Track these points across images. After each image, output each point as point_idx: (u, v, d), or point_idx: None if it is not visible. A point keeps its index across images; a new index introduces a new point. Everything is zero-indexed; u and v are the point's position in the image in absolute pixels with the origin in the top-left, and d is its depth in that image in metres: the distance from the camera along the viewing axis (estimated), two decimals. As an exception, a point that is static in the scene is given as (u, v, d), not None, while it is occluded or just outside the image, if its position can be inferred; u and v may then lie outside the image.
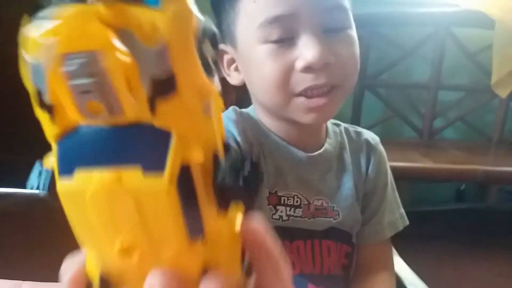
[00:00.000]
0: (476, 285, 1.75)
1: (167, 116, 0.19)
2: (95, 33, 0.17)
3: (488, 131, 2.19)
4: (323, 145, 0.67)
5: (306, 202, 0.65)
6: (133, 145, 0.19)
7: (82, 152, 0.19)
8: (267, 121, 0.66)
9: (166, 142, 0.19)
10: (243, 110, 0.68)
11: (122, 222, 0.20)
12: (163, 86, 0.18)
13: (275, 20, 0.54)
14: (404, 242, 1.81)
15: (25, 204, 2.25)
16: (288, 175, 0.64)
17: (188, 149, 0.19)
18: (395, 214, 0.72)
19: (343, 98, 0.63)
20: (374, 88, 2.11)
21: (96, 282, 0.23)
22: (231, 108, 0.67)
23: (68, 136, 0.20)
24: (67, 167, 0.20)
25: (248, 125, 0.63)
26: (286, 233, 0.63)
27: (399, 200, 0.74)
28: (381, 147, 0.74)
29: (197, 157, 0.19)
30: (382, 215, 0.71)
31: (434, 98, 2.10)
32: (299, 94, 0.57)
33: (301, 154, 0.65)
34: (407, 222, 0.73)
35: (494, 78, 1.99)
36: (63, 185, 0.20)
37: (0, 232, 1.94)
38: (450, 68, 2.12)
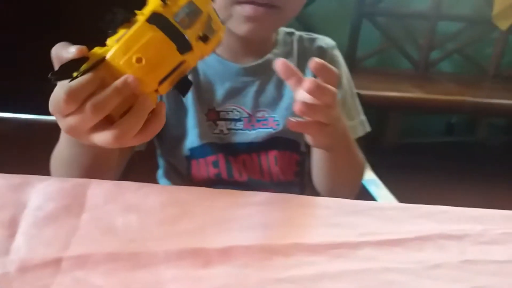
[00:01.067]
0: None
1: None
2: None
3: (485, 65, 2.17)
4: None
5: (247, 115, 0.66)
6: None
7: None
8: None
9: None
10: None
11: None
12: None
13: None
14: (394, 173, 1.87)
15: (19, 128, 2.28)
16: (223, 90, 0.66)
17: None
18: (354, 120, 0.72)
19: (281, 23, 0.64)
20: (373, 16, 2.05)
21: (95, 57, 0.36)
22: None
23: None
24: None
25: None
26: (229, 149, 0.66)
27: (360, 107, 0.74)
28: (335, 52, 0.73)
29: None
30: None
31: (433, 28, 2.06)
32: (240, 2, 0.57)
33: (235, 67, 0.66)
34: (368, 129, 0.72)
35: (495, 9, 1.94)
36: None
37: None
38: (451, -3, 2.05)
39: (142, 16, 0.36)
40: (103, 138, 0.37)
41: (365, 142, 0.72)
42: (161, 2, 0.36)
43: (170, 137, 0.67)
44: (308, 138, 0.53)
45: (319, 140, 0.52)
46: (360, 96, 0.75)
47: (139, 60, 0.35)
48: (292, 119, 0.49)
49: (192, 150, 0.65)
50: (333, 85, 0.47)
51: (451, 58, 2.18)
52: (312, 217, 0.41)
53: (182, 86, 0.39)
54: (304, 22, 1.83)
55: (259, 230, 0.38)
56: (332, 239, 0.37)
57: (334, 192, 0.64)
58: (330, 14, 2.00)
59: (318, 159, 0.61)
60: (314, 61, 0.46)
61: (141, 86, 0.36)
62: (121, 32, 0.36)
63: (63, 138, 0.50)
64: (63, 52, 0.37)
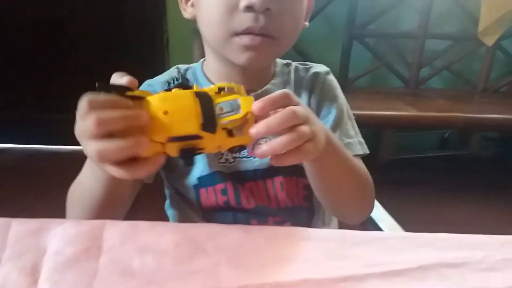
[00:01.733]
0: (450, 227, 1.84)
1: None
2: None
3: (473, 80, 2.22)
4: None
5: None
6: None
7: None
8: (210, 68, 0.70)
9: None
10: (190, 65, 0.74)
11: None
12: None
13: None
14: (389, 188, 1.89)
15: (24, 159, 2.29)
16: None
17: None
18: (353, 139, 0.71)
19: (278, 54, 0.66)
20: (362, 38, 2.10)
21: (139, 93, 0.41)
22: (174, 67, 0.74)
23: None
24: None
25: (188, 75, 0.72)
26: (236, 177, 0.67)
27: (357, 129, 0.74)
28: (329, 77, 0.75)
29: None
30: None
31: (421, 47, 2.11)
32: (238, 34, 0.59)
33: None
34: (367, 151, 0.72)
35: (481, 26, 1.99)
36: None
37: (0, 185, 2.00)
38: (438, 17, 2.11)
39: (195, 89, 0.42)
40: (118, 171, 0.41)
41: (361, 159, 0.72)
42: (216, 89, 0.43)
43: (178, 166, 0.68)
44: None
45: (305, 157, 0.48)
46: (354, 117, 0.76)
47: (165, 112, 0.40)
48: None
49: (201, 178, 0.67)
50: (289, 105, 0.46)
51: (440, 75, 2.23)
52: (319, 251, 0.43)
53: (187, 157, 0.42)
54: (296, 46, 1.88)
55: (270, 266, 0.40)
56: (340, 273, 0.39)
57: (340, 208, 0.65)
58: (321, 38, 2.06)
59: (312, 175, 0.59)
60: (255, 106, 0.44)
61: (152, 133, 0.39)
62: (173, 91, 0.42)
63: (84, 170, 0.53)
64: (118, 76, 0.42)
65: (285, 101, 0.46)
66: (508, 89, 2.22)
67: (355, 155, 0.67)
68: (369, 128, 1.99)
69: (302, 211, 0.70)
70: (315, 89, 0.72)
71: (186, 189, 0.69)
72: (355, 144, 0.70)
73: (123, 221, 0.47)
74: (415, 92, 2.13)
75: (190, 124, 0.40)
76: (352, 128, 0.73)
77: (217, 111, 0.42)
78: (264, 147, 0.43)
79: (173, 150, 0.41)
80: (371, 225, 0.74)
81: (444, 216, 1.92)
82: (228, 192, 0.67)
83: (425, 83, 2.20)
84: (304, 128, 0.45)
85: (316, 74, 0.74)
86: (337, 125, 0.70)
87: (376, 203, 0.78)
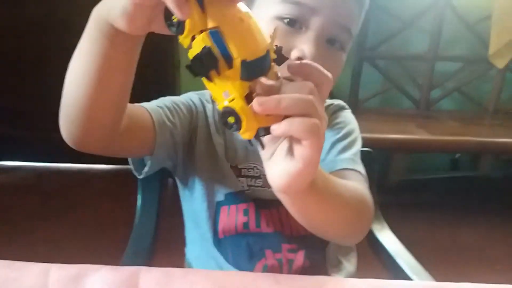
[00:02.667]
0: (466, 250, 1.84)
1: None
2: None
3: (484, 101, 2.23)
4: None
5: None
6: None
7: None
8: None
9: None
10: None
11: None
12: None
13: (298, 4, 0.59)
14: (400, 210, 1.91)
15: (34, 177, 2.33)
16: (244, 148, 0.71)
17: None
18: (352, 164, 0.69)
19: None
20: (373, 60, 2.13)
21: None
22: (193, 93, 0.75)
23: None
24: None
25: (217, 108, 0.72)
26: (251, 199, 0.69)
27: (357, 160, 0.71)
28: (345, 112, 0.77)
29: None
30: (335, 154, 0.71)
31: (432, 69, 2.13)
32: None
33: None
34: (367, 183, 0.69)
35: (491, 49, 2.02)
36: None
37: (10, 203, 2.03)
38: (448, 39, 2.13)
39: None
40: None
41: (371, 180, 0.72)
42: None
43: (205, 179, 0.70)
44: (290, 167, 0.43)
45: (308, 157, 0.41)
46: (364, 140, 0.77)
47: (241, 19, 0.38)
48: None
49: (228, 195, 0.69)
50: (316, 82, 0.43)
51: (451, 96, 2.24)
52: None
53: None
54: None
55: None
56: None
57: (332, 238, 0.64)
58: (333, 61, 2.08)
59: (298, 212, 0.53)
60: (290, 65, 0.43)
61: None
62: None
63: (81, 41, 0.48)
64: None
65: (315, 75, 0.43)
66: (519, 111, 2.23)
67: (356, 171, 0.67)
68: (381, 151, 2.00)
69: (316, 238, 0.67)
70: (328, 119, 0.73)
71: (204, 208, 0.70)
72: (355, 164, 0.69)
73: (157, 268, 0.49)
74: (426, 114, 2.14)
75: (262, 42, 0.38)
76: (358, 156, 0.72)
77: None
78: (282, 125, 0.39)
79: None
80: (391, 263, 0.75)
81: (457, 239, 1.92)
82: (249, 213, 0.69)
83: (436, 104, 2.22)
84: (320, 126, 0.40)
85: (327, 106, 0.77)
86: (348, 146, 0.71)
87: (394, 238, 0.80)
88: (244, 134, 0.39)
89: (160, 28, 0.41)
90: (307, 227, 0.58)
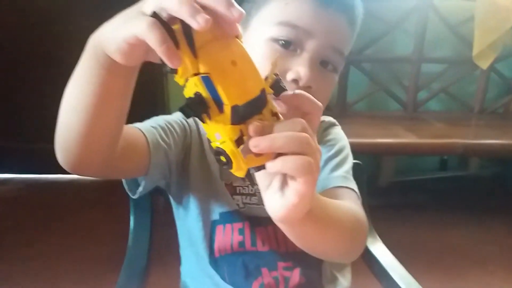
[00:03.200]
0: (457, 251, 1.86)
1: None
2: None
3: (470, 102, 2.26)
4: None
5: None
6: None
7: None
8: None
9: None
10: None
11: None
12: None
13: (293, 27, 0.61)
14: (390, 212, 1.92)
15: (24, 188, 2.30)
16: None
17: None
18: (345, 182, 0.70)
19: None
20: (359, 63, 2.14)
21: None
22: None
23: None
24: None
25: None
26: (246, 217, 0.69)
27: (349, 177, 0.72)
28: (336, 129, 0.78)
29: None
30: (328, 172, 0.72)
31: (418, 71, 2.15)
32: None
33: None
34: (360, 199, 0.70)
35: (475, 50, 2.04)
36: None
37: (1, 216, 2.01)
38: (432, 41, 2.15)
39: None
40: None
41: (361, 190, 0.73)
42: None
43: (199, 198, 0.70)
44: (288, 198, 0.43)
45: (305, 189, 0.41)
46: (353, 145, 0.78)
47: (233, 63, 0.38)
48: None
49: (223, 214, 0.69)
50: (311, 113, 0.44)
51: (437, 98, 2.27)
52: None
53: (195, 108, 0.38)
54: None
55: None
56: None
57: (328, 258, 0.66)
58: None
59: (294, 237, 0.53)
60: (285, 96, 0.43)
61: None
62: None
63: (77, 72, 0.48)
64: None
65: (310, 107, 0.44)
66: (504, 111, 2.26)
67: (350, 188, 0.68)
68: (369, 155, 2.02)
69: (311, 255, 0.68)
70: (318, 136, 0.74)
71: (199, 227, 0.70)
72: (348, 181, 0.70)
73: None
74: (414, 116, 2.16)
75: (255, 84, 0.39)
76: (347, 173, 0.73)
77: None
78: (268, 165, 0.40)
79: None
80: (384, 276, 0.76)
81: (448, 239, 1.94)
82: (245, 232, 0.69)
83: (423, 106, 2.24)
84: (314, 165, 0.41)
85: (324, 124, 0.77)
86: (340, 164, 0.72)
87: (387, 251, 0.81)
88: (236, 173, 0.40)
89: (156, 59, 0.41)
90: (305, 250, 0.58)
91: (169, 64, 0.36)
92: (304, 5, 0.61)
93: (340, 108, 2.13)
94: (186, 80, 0.37)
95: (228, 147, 0.39)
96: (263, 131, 0.39)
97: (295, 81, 0.61)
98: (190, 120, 0.73)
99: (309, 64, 0.61)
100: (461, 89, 2.27)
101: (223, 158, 0.39)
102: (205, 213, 0.70)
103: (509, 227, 2.03)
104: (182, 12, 0.35)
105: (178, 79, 0.38)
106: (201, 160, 0.71)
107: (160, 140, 0.64)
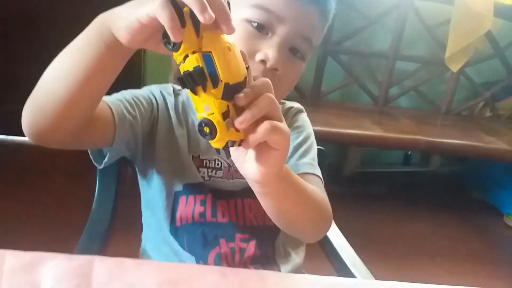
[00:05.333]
0: (408, 242, 1.96)
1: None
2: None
3: (438, 102, 2.35)
4: None
5: (227, 165, 0.74)
6: None
7: None
8: None
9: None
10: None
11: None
12: None
13: (267, 11, 0.64)
14: (351, 201, 2.00)
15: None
16: (206, 142, 0.73)
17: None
18: (312, 169, 0.76)
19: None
20: (337, 54, 2.19)
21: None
22: (168, 84, 0.79)
23: None
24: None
25: (181, 101, 0.77)
26: (209, 190, 0.73)
27: (315, 164, 0.76)
28: (302, 115, 0.82)
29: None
30: (296, 158, 0.76)
31: (392, 67, 2.21)
32: None
33: None
34: (322, 182, 0.76)
35: (448, 52, 2.11)
36: None
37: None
38: (409, 40, 2.22)
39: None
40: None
41: (326, 171, 0.79)
42: None
43: (164, 170, 0.73)
44: (259, 165, 0.51)
45: (273, 158, 0.50)
46: (322, 133, 0.82)
47: (229, 48, 0.45)
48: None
49: (187, 186, 0.72)
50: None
51: (408, 95, 2.34)
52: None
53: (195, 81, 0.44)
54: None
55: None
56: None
57: (294, 232, 0.70)
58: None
59: (266, 202, 0.60)
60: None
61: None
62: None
63: (76, 42, 0.52)
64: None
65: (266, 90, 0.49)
66: (469, 113, 2.36)
67: (316, 175, 0.74)
68: (337, 144, 2.07)
69: (266, 230, 0.75)
70: (286, 120, 0.78)
71: (162, 197, 0.73)
72: (313, 167, 0.76)
73: (110, 257, 0.52)
74: (383, 110, 2.23)
75: (243, 70, 0.46)
76: (315, 158, 0.78)
77: None
78: (250, 138, 0.47)
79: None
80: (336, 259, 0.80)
81: (402, 231, 2.03)
82: (206, 204, 0.72)
83: (393, 102, 2.31)
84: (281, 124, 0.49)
85: (289, 108, 0.81)
86: (307, 150, 0.77)
87: (339, 233, 0.86)
88: (216, 144, 0.46)
89: (154, 47, 0.48)
90: (275, 220, 0.64)
91: (173, 38, 0.42)
92: None
93: (314, 96, 2.17)
94: (186, 56, 0.43)
95: (215, 118, 0.44)
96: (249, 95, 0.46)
97: (263, 62, 0.64)
98: (158, 94, 0.75)
99: (278, 47, 0.64)
100: (431, 88, 2.36)
101: (206, 129, 0.45)
102: (169, 184, 0.73)
103: (461, 223, 2.15)
104: (194, 6, 0.41)
105: (177, 55, 0.44)
106: (168, 134, 0.74)
107: (125, 113, 0.66)
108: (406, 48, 2.22)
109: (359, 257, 0.84)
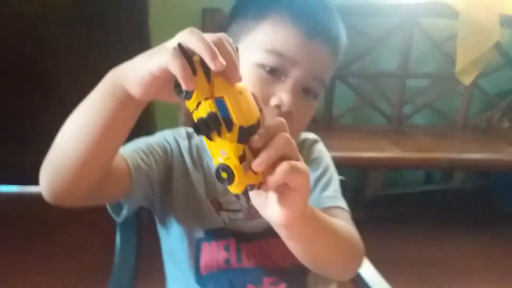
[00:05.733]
0: (443, 263, 1.88)
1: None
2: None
3: (453, 116, 2.30)
4: None
5: (246, 206, 0.72)
6: None
7: None
8: None
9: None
10: None
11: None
12: None
13: (280, 55, 0.65)
14: (375, 225, 1.94)
15: (5, 202, 2.25)
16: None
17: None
18: (336, 201, 0.73)
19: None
20: (345, 77, 2.17)
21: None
22: (183, 128, 0.77)
23: None
24: None
25: (194, 145, 0.75)
26: (231, 234, 0.71)
27: (339, 196, 0.74)
28: (318, 146, 0.80)
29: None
30: (318, 193, 0.74)
31: (403, 86, 2.19)
32: None
33: None
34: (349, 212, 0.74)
35: (458, 67, 2.08)
36: None
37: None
38: (417, 57, 2.20)
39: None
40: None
41: (347, 195, 0.76)
42: None
43: (183, 217, 0.71)
44: (279, 207, 0.48)
45: (295, 200, 0.48)
46: (340, 158, 0.80)
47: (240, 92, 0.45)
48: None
49: (208, 232, 0.70)
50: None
51: (422, 112, 2.30)
52: None
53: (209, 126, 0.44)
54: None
55: None
56: None
57: (323, 272, 0.65)
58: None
59: (293, 243, 0.56)
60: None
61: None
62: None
63: (88, 100, 0.51)
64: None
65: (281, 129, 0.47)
66: (487, 125, 2.31)
67: (340, 208, 0.71)
68: (355, 168, 2.03)
69: (295, 270, 0.72)
70: (302, 154, 0.75)
71: (184, 246, 0.70)
72: (338, 200, 0.73)
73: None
74: (399, 130, 2.19)
75: (256, 112, 0.46)
76: (338, 188, 0.76)
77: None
78: (269, 180, 0.45)
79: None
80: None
81: (433, 252, 1.96)
82: (230, 249, 0.70)
83: (408, 120, 2.27)
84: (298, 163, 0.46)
85: (303, 141, 0.79)
86: (328, 183, 0.75)
87: (373, 269, 0.81)
88: (235, 189, 0.45)
89: (166, 97, 0.48)
90: (305, 263, 0.61)
91: (185, 87, 0.42)
92: (292, 35, 0.65)
93: (326, 122, 2.15)
94: (199, 104, 0.43)
95: (233, 162, 0.44)
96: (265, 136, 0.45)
97: (278, 106, 0.64)
98: (171, 140, 0.74)
99: (291, 91, 0.64)
100: (445, 104, 2.31)
101: (224, 174, 0.44)
102: (189, 231, 0.71)
103: (493, 240, 2.06)
104: (205, 55, 0.42)
105: (190, 103, 0.44)
106: (184, 179, 0.72)
107: (141, 163, 0.65)
108: (415, 65, 2.20)
109: (391, 284, 0.81)
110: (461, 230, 2.10)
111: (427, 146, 1.94)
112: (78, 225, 2.04)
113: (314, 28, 0.66)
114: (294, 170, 0.45)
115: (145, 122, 2.07)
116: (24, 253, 1.83)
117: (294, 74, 0.65)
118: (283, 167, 0.45)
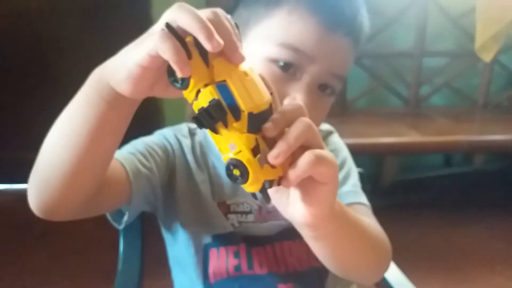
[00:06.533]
0: (465, 250, 1.82)
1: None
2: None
3: (474, 95, 2.21)
4: None
5: (257, 207, 0.67)
6: None
7: None
8: None
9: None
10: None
11: None
12: None
13: (296, 50, 0.56)
14: (393, 213, 1.87)
15: (15, 200, 2.25)
16: (230, 184, 0.66)
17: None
18: (356, 197, 0.68)
19: None
20: (359, 59, 2.08)
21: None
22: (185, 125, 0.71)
23: None
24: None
25: (198, 143, 0.69)
26: (241, 239, 0.65)
27: (359, 190, 0.70)
28: (333, 137, 0.75)
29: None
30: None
31: (419, 65, 2.10)
32: None
33: None
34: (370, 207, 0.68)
35: (477, 43, 1.98)
36: None
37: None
38: (433, 34, 2.10)
39: None
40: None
41: (364, 181, 0.72)
42: None
43: (189, 222, 0.66)
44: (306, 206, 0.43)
45: (322, 197, 0.43)
46: (356, 145, 0.74)
47: (246, 74, 0.39)
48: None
49: (216, 237, 0.65)
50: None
51: (440, 92, 2.21)
52: None
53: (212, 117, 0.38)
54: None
55: None
56: None
57: (350, 275, 0.61)
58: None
59: (316, 243, 0.51)
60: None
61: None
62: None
63: (74, 103, 0.45)
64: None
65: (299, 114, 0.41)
66: (509, 103, 2.21)
67: (363, 204, 0.66)
68: (371, 155, 1.96)
69: (313, 273, 0.67)
70: None
71: (191, 252, 0.66)
72: (358, 192, 0.69)
73: None
74: (416, 112, 2.11)
75: (266, 95, 0.39)
76: (356, 181, 0.71)
77: None
78: (291, 174, 0.39)
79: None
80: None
81: (454, 239, 1.89)
82: (240, 255, 0.65)
83: (426, 101, 2.19)
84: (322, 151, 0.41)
85: (320, 132, 0.73)
86: (347, 177, 0.69)
87: (396, 269, 0.76)
88: (250, 187, 0.38)
89: (161, 92, 0.42)
90: (331, 266, 0.56)
91: (181, 73, 0.36)
92: (310, 28, 0.56)
93: (340, 106, 2.07)
94: (198, 92, 0.37)
95: (245, 156, 0.37)
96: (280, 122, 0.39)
97: None
98: (173, 139, 0.68)
99: (307, 90, 0.57)
100: (464, 82, 2.22)
101: (236, 172, 0.37)
102: (196, 236, 0.66)
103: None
104: (199, 33, 0.35)
105: (188, 93, 0.37)
106: (188, 181, 0.66)
107: (140, 166, 0.60)
108: (432, 43, 2.11)
109: (411, 272, 0.76)
110: (484, 214, 2.02)
111: (446, 128, 1.86)
112: (85, 223, 2.03)
113: (336, 19, 0.57)
114: (319, 160, 0.39)
115: (153, 117, 2.06)
116: (34, 248, 1.82)
117: (311, 71, 0.57)
118: (306, 157, 0.39)
